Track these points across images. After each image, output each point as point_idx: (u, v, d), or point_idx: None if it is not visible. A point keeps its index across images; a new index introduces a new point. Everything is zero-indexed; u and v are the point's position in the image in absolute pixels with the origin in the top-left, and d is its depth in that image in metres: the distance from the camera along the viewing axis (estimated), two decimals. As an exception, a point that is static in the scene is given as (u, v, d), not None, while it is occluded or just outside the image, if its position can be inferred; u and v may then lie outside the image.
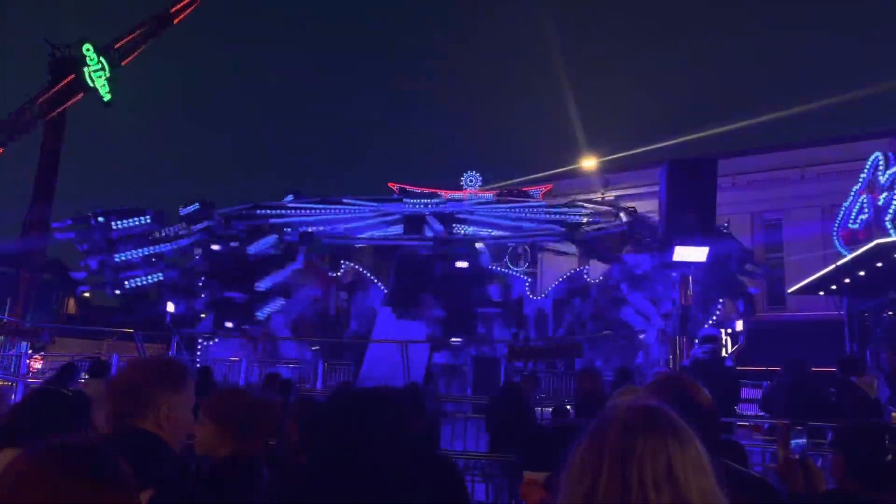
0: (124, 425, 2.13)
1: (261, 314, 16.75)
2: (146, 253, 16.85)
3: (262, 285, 16.56)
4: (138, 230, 17.02)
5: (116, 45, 30.27)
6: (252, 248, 16.93)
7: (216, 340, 16.94)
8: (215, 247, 16.62)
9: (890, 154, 14.97)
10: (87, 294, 42.09)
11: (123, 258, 16.58)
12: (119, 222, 16.73)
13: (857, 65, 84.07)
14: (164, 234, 17.53)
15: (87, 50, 29.52)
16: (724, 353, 12.91)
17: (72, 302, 42.04)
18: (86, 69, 29.46)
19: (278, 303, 17.16)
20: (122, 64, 30.43)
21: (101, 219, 16.61)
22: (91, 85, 29.55)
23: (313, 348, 18.25)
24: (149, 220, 17.10)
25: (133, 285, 16.60)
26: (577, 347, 15.93)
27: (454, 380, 16.91)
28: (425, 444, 4.16)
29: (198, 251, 17.07)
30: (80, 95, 29.46)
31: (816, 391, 7.29)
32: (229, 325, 16.34)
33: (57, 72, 29.76)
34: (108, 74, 30.04)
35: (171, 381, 2.21)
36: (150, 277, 16.70)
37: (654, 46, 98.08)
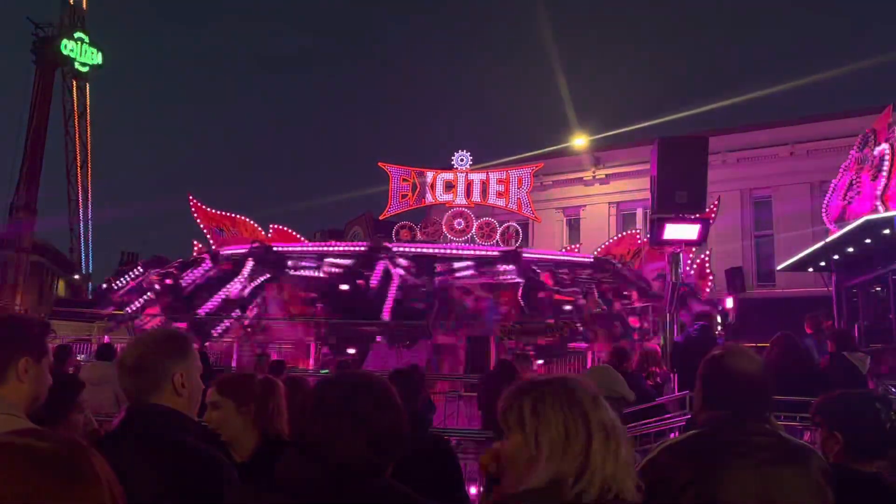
0: (143, 404, 2.15)
1: (216, 332, 16.87)
2: (145, 298, 17.91)
3: (203, 310, 16.91)
4: (135, 281, 18.32)
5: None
6: (187, 278, 17.57)
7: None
8: (157, 287, 17.65)
9: (879, 130, 14.97)
10: (76, 277, 41.92)
11: (134, 308, 17.68)
12: (116, 283, 18.19)
13: (846, 40, 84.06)
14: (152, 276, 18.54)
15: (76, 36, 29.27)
16: (716, 331, 13.00)
17: (62, 284, 41.84)
18: (64, 42, 29.26)
19: (233, 315, 17.12)
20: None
21: (103, 285, 18.30)
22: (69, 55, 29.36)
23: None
24: (141, 271, 18.33)
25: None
26: (568, 326, 16.05)
27: (447, 358, 16.99)
28: (420, 422, 4.18)
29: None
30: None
31: (804, 366, 7.31)
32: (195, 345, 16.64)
33: (40, 51, 29.36)
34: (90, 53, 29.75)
35: (178, 349, 2.26)
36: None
37: (645, 24, 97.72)
